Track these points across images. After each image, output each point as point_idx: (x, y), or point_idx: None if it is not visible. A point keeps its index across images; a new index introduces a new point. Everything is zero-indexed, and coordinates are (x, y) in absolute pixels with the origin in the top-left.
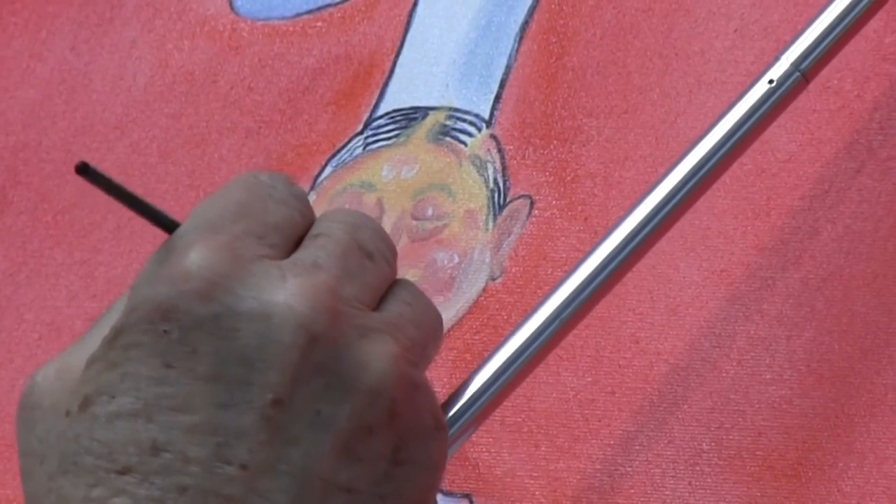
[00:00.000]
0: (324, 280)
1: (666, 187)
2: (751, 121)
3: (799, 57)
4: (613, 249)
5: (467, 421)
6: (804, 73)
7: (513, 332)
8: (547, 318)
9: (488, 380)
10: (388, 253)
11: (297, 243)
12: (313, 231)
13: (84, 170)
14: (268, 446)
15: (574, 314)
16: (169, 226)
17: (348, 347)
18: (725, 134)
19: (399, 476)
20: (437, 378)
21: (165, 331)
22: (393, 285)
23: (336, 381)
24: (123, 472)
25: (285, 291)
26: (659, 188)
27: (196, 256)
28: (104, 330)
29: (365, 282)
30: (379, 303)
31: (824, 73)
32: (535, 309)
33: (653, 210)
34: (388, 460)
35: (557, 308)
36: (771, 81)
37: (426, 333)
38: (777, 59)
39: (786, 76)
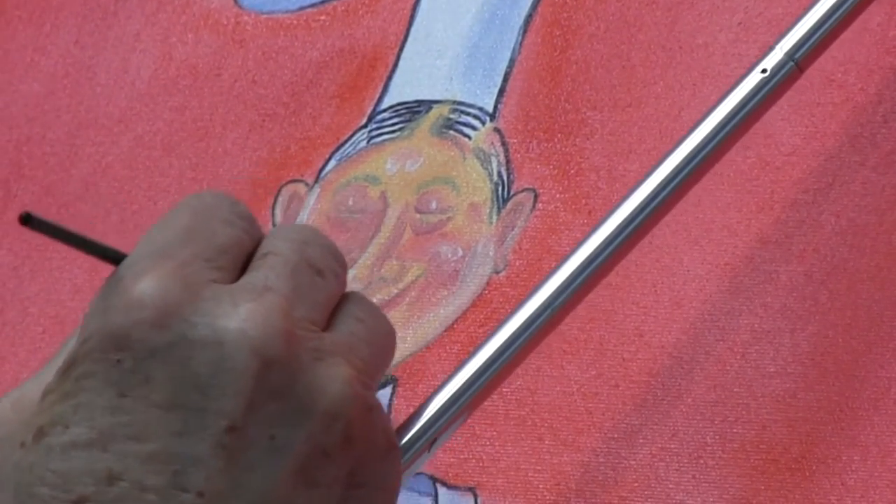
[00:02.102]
0: (275, 303)
1: (658, 177)
2: (744, 110)
3: (793, 46)
4: (602, 242)
5: (438, 428)
6: (798, 62)
7: (478, 349)
8: (521, 325)
9: (455, 392)
10: (338, 267)
11: (245, 263)
12: (262, 249)
13: (27, 220)
14: (224, 473)
15: (548, 321)
16: (117, 259)
17: (303, 371)
18: (718, 124)
19: (355, 499)
20: (442, 372)
21: (119, 360)
22: (343, 300)
23: (291, 406)
24: (79, 501)
25: (238, 317)
26: (650, 179)
27: (147, 284)
28: (59, 362)
29: (316, 300)
30: (330, 319)
31: (828, 66)
32: (507, 319)
33: (644, 200)
34: (343, 484)
35: (533, 314)
36: (764, 71)
37: (379, 350)
38: (771, 48)
39: (779, 66)
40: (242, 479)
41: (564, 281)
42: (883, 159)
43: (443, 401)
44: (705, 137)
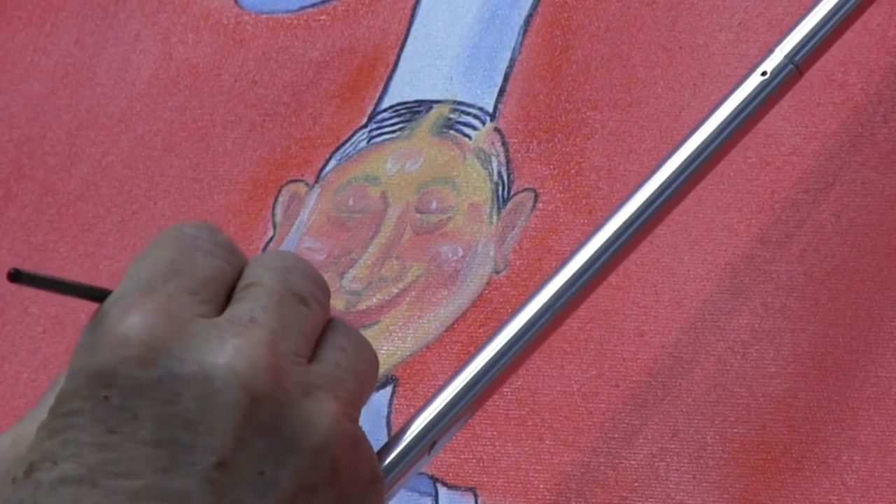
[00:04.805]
0: (262, 337)
1: (658, 180)
2: (744, 113)
3: (793, 49)
4: (603, 244)
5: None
6: (798, 65)
7: (466, 363)
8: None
9: (446, 405)
10: (321, 295)
11: (229, 293)
12: (244, 280)
13: (16, 277)
14: None
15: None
16: (103, 296)
17: (291, 406)
18: (719, 126)
19: None
20: (442, 371)
21: (106, 396)
22: (327, 328)
23: (280, 442)
24: None
25: (225, 353)
26: (651, 181)
27: (133, 321)
28: (52, 397)
29: (301, 330)
30: (314, 348)
31: (828, 66)
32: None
33: (644, 203)
34: None
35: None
36: (764, 73)
37: (363, 379)
38: (771, 51)
39: (779, 68)
40: None
41: (566, 283)
42: (883, 159)
43: (443, 403)
44: (705, 140)
